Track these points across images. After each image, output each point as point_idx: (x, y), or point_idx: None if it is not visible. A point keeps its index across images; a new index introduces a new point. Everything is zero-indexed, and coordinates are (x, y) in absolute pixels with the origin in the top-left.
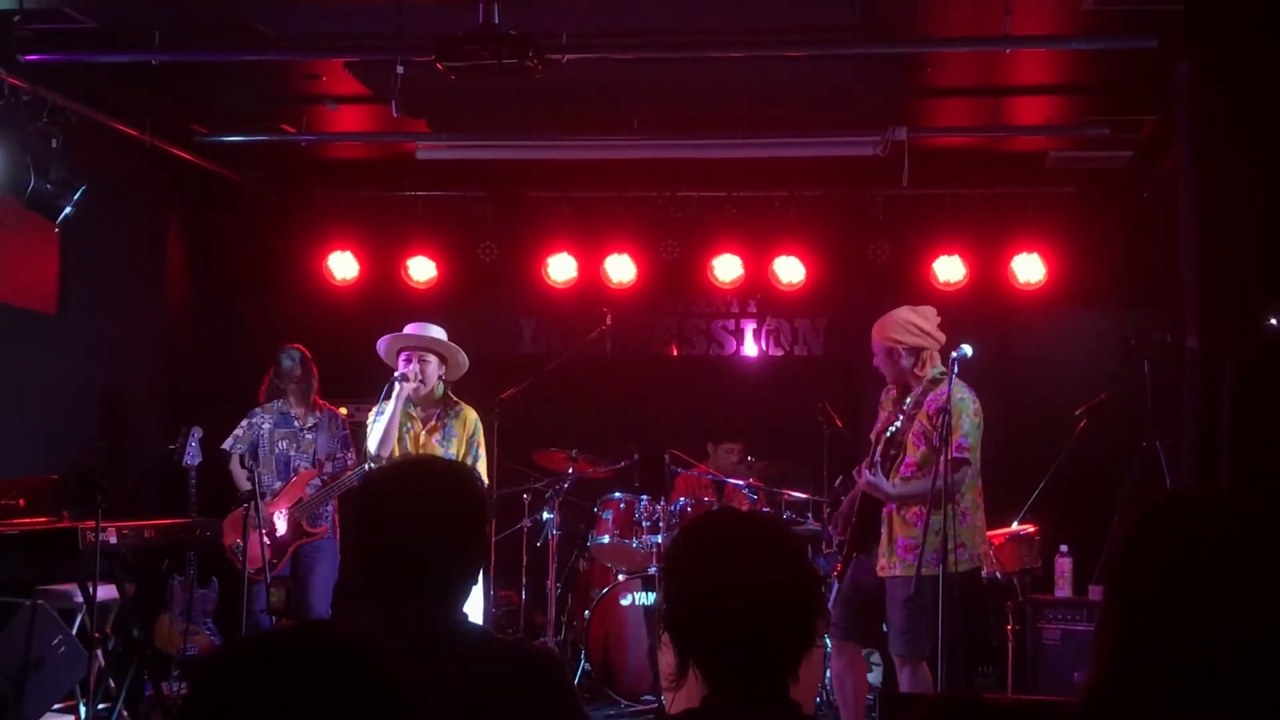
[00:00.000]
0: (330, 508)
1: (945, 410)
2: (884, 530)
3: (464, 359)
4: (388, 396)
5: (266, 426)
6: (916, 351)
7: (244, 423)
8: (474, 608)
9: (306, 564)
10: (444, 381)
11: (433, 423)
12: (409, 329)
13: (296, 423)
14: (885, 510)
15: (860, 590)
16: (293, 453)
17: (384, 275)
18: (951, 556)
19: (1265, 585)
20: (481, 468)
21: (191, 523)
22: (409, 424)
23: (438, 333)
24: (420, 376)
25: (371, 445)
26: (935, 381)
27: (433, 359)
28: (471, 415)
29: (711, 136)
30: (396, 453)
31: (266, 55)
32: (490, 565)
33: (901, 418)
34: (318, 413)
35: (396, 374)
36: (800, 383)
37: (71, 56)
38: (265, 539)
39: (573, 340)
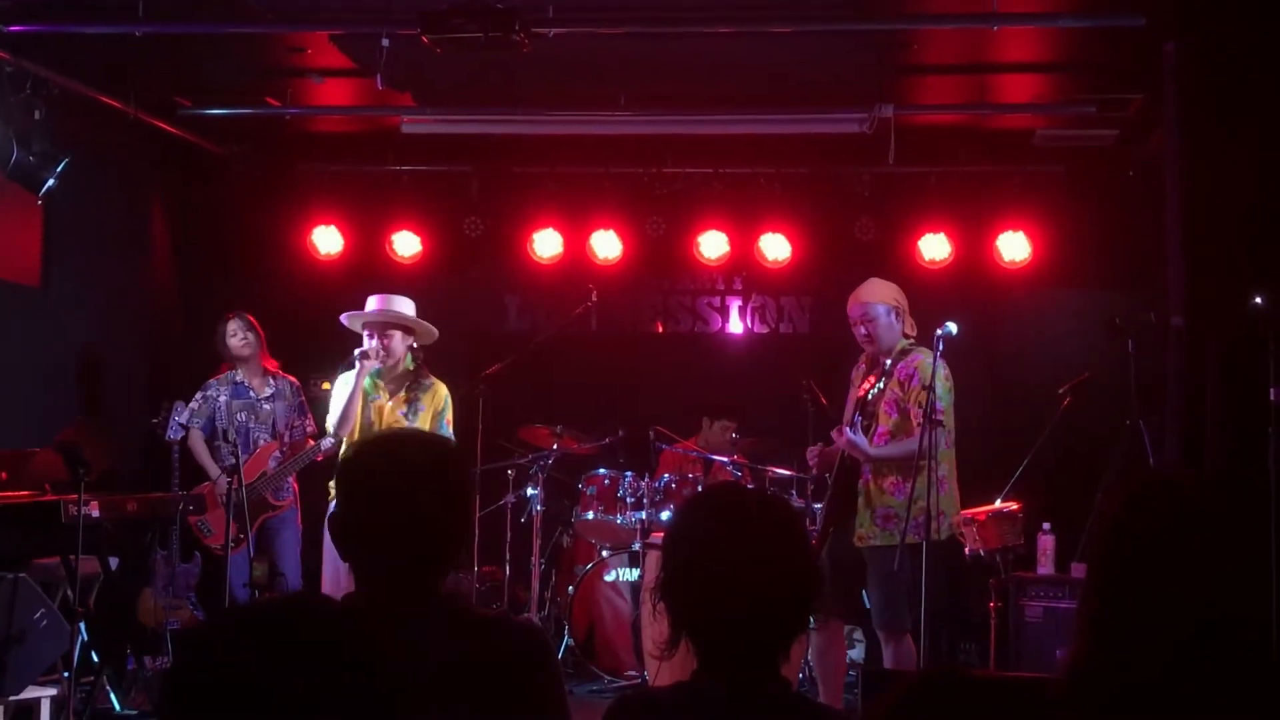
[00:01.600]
0: (291, 479)
1: (930, 388)
2: (860, 500)
3: (431, 328)
4: (349, 368)
5: (223, 399)
6: (905, 314)
7: (198, 395)
8: None
9: (273, 537)
10: (413, 353)
11: (400, 394)
12: (372, 303)
13: (252, 393)
14: (861, 481)
15: (839, 565)
16: (252, 424)
17: (368, 250)
18: (934, 524)
19: (1247, 564)
20: None
21: (174, 497)
22: (375, 394)
23: (403, 304)
24: (383, 353)
25: (331, 421)
26: (904, 352)
27: (396, 333)
28: (442, 390)
29: (698, 112)
30: (358, 426)
31: (251, 28)
32: (475, 541)
33: (879, 384)
34: (274, 381)
35: (357, 351)
36: (785, 360)
37: (55, 28)
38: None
39: (558, 316)
